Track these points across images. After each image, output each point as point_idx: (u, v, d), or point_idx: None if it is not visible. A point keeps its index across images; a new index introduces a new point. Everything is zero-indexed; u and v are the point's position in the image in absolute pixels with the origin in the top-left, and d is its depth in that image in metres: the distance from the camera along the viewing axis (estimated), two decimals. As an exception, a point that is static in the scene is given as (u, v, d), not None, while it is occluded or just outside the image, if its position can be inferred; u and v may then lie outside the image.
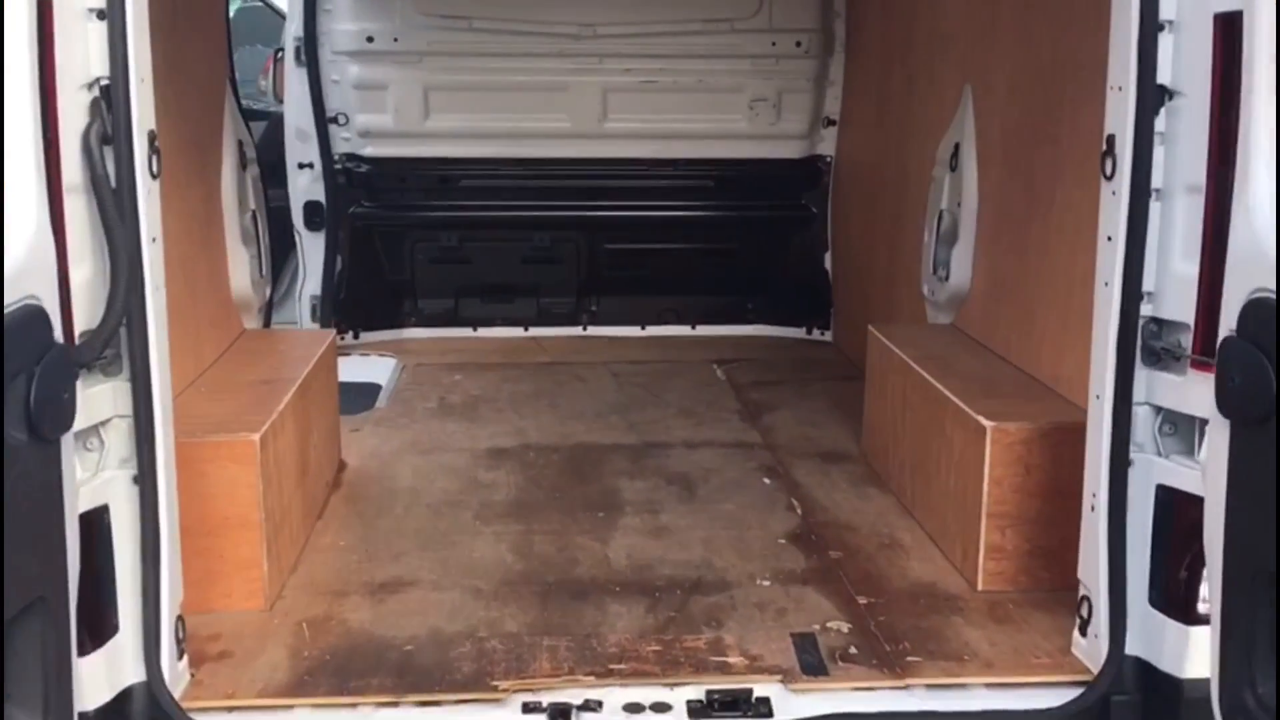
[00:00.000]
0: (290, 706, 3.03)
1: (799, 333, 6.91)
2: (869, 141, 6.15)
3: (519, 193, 6.62)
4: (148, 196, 2.79)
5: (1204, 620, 2.84)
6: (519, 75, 6.37)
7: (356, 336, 6.66)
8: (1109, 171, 2.99)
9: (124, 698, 2.88)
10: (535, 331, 6.86)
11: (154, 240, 2.83)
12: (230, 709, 3.01)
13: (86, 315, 2.71)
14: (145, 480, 2.85)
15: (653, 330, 6.93)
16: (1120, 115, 2.94)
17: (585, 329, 6.91)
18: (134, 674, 2.89)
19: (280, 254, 6.99)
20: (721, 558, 3.90)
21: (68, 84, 2.62)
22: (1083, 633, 3.20)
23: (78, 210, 2.68)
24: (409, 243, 6.70)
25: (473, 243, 6.73)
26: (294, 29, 6.22)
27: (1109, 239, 3.01)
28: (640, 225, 6.76)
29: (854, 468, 4.77)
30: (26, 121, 2.41)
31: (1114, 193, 2.98)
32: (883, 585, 3.72)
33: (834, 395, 5.71)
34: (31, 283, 2.32)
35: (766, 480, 4.63)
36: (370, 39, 6.22)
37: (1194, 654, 2.92)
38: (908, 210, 5.36)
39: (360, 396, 5.74)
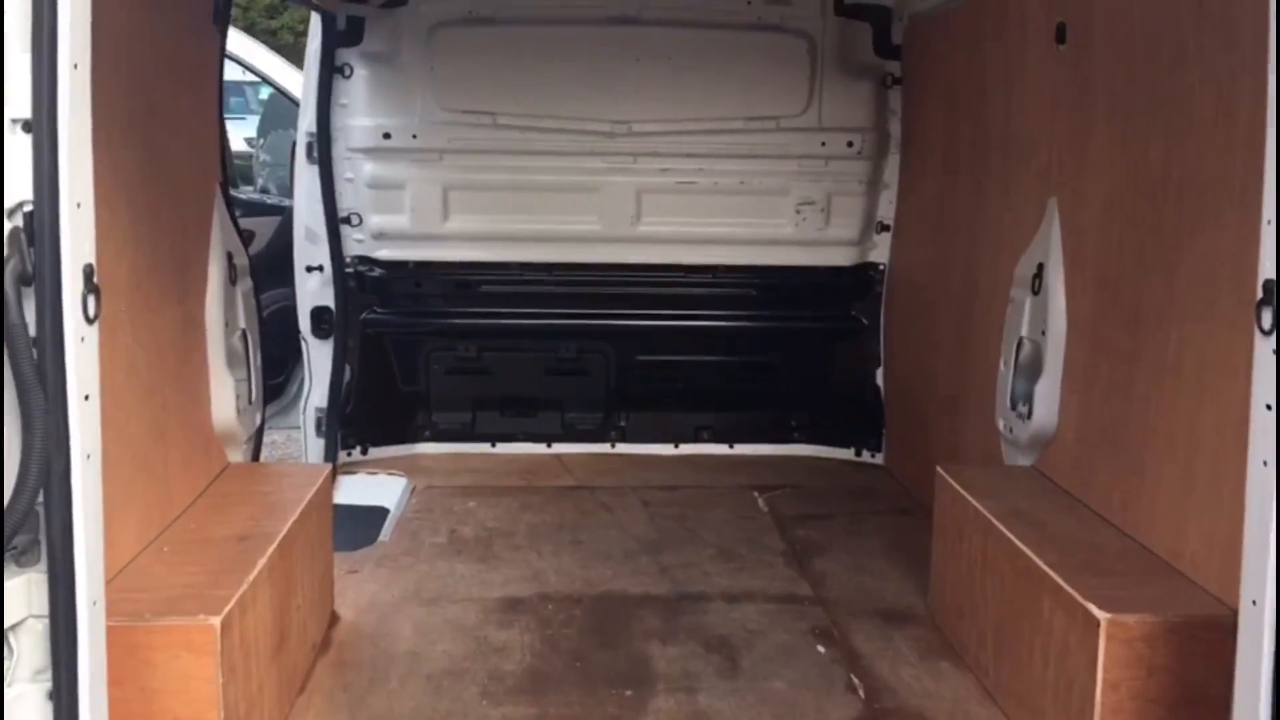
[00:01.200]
0: None
1: (847, 454, 6.31)
2: (928, 251, 5.60)
3: (544, 299, 6.10)
4: (80, 346, 2.26)
5: None
6: (546, 175, 5.89)
7: (365, 452, 6.11)
8: (1267, 325, 2.41)
9: None
10: (559, 448, 6.30)
11: (87, 398, 2.30)
12: None
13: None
14: (62, 698, 2.28)
15: (687, 449, 6.35)
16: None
17: (614, 446, 6.34)
18: None
19: (288, 359, 6.53)
20: (774, 760, 3.27)
21: (-21, 210, 2.12)
22: None
23: (-14, 366, 2.15)
24: (424, 352, 6.18)
25: (493, 352, 6.20)
26: (306, 124, 5.77)
27: (1268, 408, 2.42)
28: (675, 336, 6.22)
29: (922, 633, 4.13)
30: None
31: (1275, 351, 2.40)
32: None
33: (891, 533, 5.09)
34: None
35: (821, 648, 4.00)
36: (387, 135, 5.77)
37: None
38: (977, 331, 4.79)
39: (363, 526, 5.18)
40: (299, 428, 6.11)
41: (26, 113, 2.17)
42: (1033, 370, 4.16)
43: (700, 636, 4.08)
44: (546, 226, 5.98)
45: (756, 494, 5.68)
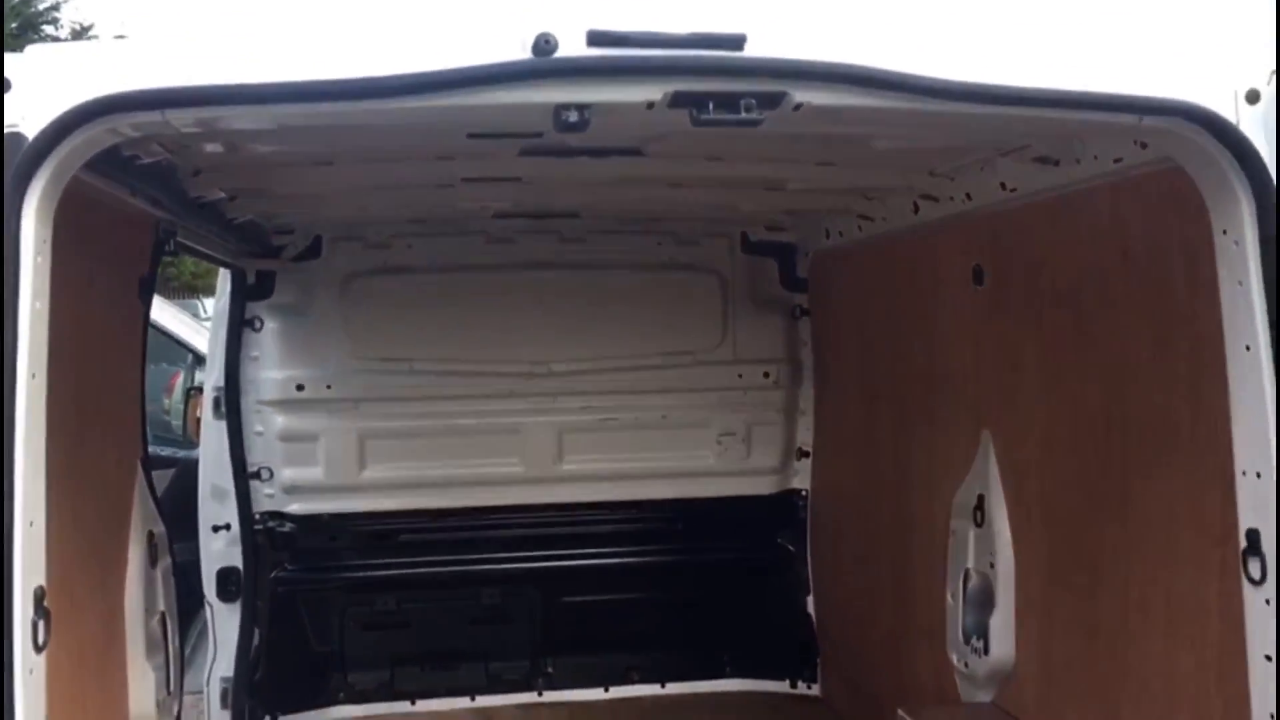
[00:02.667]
0: None
1: (782, 686, 6.14)
2: (852, 476, 5.64)
3: (465, 546, 5.91)
4: (28, 679, 2.05)
5: None
6: (466, 419, 5.80)
7: (275, 720, 5.70)
8: (1257, 575, 2.43)
9: None
10: (483, 701, 5.98)
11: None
12: None
13: None
14: None
15: (617, 691, 6.10)
16: (1262, 507, 2.42)
17: (540, 694, 6.05)
18: None
19: (190, 613, 6.13)
20: None
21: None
22: None
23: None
24: (339, 608, 5.88)
25: (412, 604, 5.93)
26: (214, 379, 5.60)
27: (1268, 659, 2.41)
28: (601, 575, 6.07)
29: None
30: None
31: (1268, 601, 2.41)
32: None
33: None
34: None
35: None
36: (300, 387, 5.62)
37: None
38: (913, 559, 4.78)
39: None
40: (201, 691, 5.68)
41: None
42: (983, 602, 4.14)
43: None
44: (467, 471, 5.84)
45: (696, 734, 5.46)
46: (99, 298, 3.46)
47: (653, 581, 6.16)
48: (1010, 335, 4.00)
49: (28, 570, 2.07)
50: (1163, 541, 3.16)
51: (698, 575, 6.17)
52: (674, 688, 6.15)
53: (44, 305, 2.16)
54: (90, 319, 3.35)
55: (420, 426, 5.76)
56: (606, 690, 6.10)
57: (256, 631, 5.60)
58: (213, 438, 5.60)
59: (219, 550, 5.57)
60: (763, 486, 6.11)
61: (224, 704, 5.51)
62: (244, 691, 5.52)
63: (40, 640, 2.10)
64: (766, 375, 5.99)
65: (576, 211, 5.40)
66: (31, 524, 2.09)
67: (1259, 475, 2.44)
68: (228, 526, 5.57)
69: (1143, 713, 3.26)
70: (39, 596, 2.10)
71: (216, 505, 5.60)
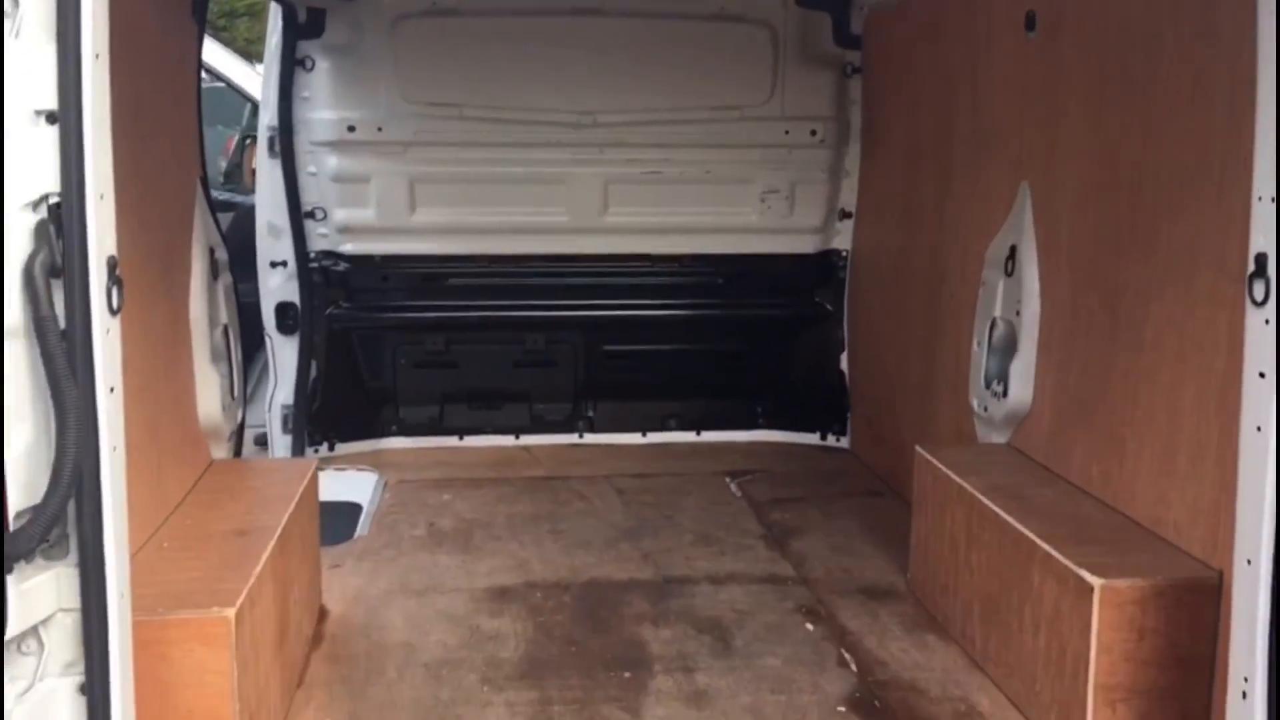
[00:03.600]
0: None
1: (813, 438, 6.40)
2: (893, 237, 5.71)
3: (511, 292, 6.11)
4: (105, 338, 2.25)
5: None
6: (513, 166, 5.89)
7: (332, 448, 6.07)
8: (1260, 296, 2.53)
9: None
10: (527, 440, 6.31)
11: (112, 390, 2.28)
12: None
13: (26, 488, 2.16)
14: (95, 691, 2.27)
15: (654, 437, 6.40)
16: (1271, 231, 2.49)
17: (582, 437, 6.37)
18: None
19: (249, 351, 6.46)
20: (777, 736, 3.34)
21: (8, 203, 2.10)
22: None
23: (16, 359, 2.14)
24: (391, 346, 6.16)
25: (460, 346, 6.19)
26: (268, 118, 5.71)
27: (1261, 375, 2.53)
28: (642, 325, 6.27)
29: (905, 608, 4.23)
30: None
31: (1267, 321, 2.51)
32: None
33: (864, 515, 5.19)
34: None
35: (809, 625, 4.08)
36: (352, 128, 5.72)
37: None
38: (944, 313, 4.90)
39: (339, 521, 5.15)
40: (262, 426, 6.04)
41: (52, 104, 2.16)
42: (1007, 349, 4.28)
43: (690, 618, 4.14)
44: (514, 218, 5.98)
45: (728, 479, 5.75)
46: (154, 17, 3.55)
47: (692, 334, 6.36)
48: (1056, 84, 3.98)
49: (100, 239, 2.25)
50: (1182, 280, 3.25)
51: (736, 330, 6.36)
52: (708, 436, 6.44)
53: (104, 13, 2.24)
54: (146, 35, 3.45)
55: (469, 173, 5.88)
56: (644, 435, 6.40)
57: (313, 364, 5.91)
58: (268, 176, 5.76)
59: (277, 285, 5.83)
60: (804, 245, 6.20)
61: (285, 429, 5.88)
62: (303, 419, 5.87)
63: (115, 305, 2.30)
64: (813, 133, 5.99)
65: None
66: (102, 197, 2.26)
67: (1273, 199, 2.50)
68: (284, 263, 5.80)
69: (1146, 444, 3.42)
70: (112, 265, 2.29)
71: (273, 241, 5.81)
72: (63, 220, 2.17)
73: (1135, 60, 3.51)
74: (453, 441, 6.26)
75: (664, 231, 6.05)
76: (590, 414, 6.37)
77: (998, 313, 4.34)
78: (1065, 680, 3.20)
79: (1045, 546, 3.32)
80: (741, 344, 6.38)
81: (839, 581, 4.48)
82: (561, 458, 6.11)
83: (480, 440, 6.28)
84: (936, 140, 5.07)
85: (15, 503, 2.15)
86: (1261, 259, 2.54)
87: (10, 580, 2.12)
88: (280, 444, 5.90)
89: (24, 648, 2.25)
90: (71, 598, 2.27)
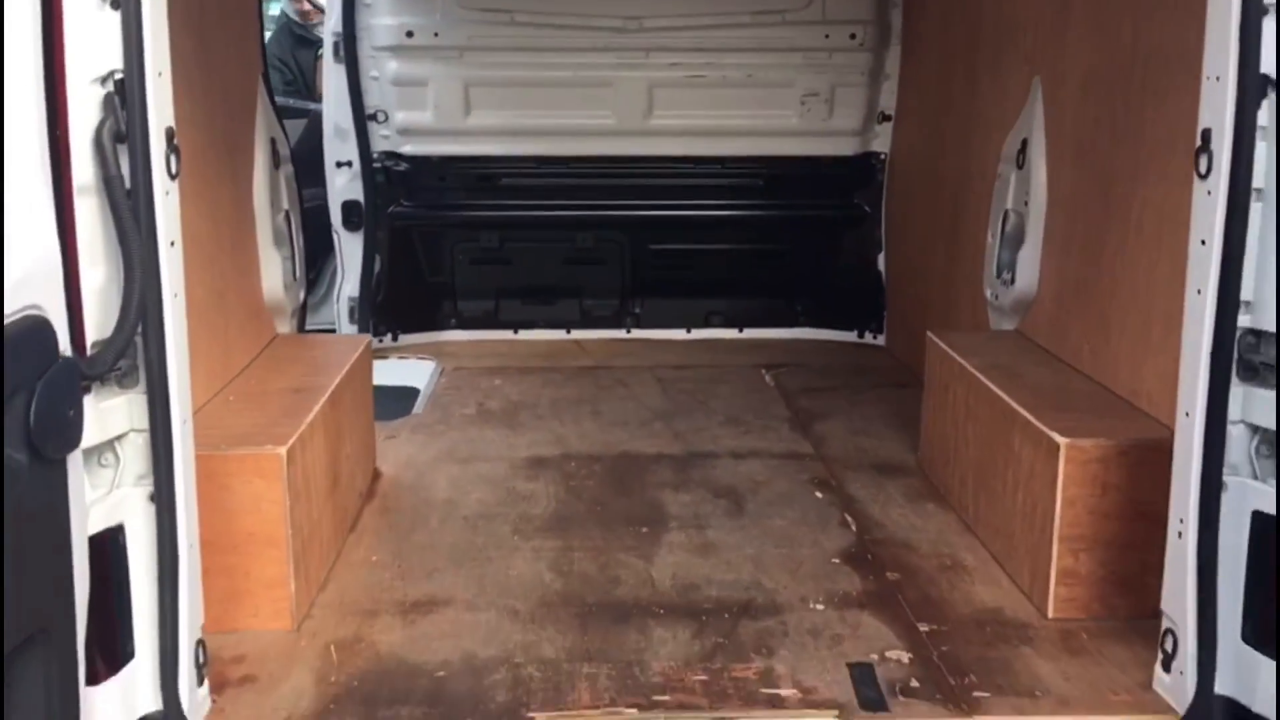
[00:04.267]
0: (315, 738, 2.86)
1: (850, 336, 6.66)
2: (926, 138, 5.89)
3: (561, 192, 6.43)
4: (165, 198, 2.62)
5: (1306, 660, 2.60)
6: (562, 70, 6.18)
7: (395, 339, 6.50)
8: (1204, 169, 2.74)
9: (137, 731, 2.72)
10: (578, 334, 6.67)
11: (172, 244, 2.66)
12: (254, 742, 2.84)
13: (99, 324, 2.55)
14: (163, 498, 2.68)
15: (698, 333, 6.72)
16: (1218, 108, 2.69)
17: (629, 332, 6.71)
18: (151, 702, 2.72)
19: (319, 256, 6.89)
20: (772, 578, 3.68)
21: (78, 78, 2.46)
22: (1166, 668, 2.96)
23: (89, 213, 2.51)
24: (449, 243, 6.54)
25: (514, 243, 6.55)
26: (332, 24, 6.07)
27: (1202, 243, 2.76)
28: (686, 225, 6.55)
29: (911, 481, 4.53)
30: (31, 117, 2.25)
31: (1209, 192, 2.73)
32: (945, 611, 3.49)
33: (888, 403, 5.46)
34: (35, 292, 2.16)
35: (818, 494, 4.40)
36: (410, 34, 6.05)
37: (1294, 696, 2.67)
38: (969, 209, 5.11)
39: (397, 401, 5.57)
40: (333, 324, 6.48)
41: (114, -10, 2.50)
42: (1016, 240, 4.49)
43: (709, 486, 4.48)
44: (563, 121, 6.28)
45: (764, 371, 6.05)
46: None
47: (734, 234, 6.63)
48: (1064, -20, 4.14)
49: (160, 110, 2.60)
50: (1162, 163, 3.44)
51: (777, 230, 6.61)
52: (750, 333, 6.73)
53: None
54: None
55: (520, 76, 6.18)
56: (688, 331, 6.71)
57: (377, 259, 6.32)
58: (334, 81, 6.13)
59: (342, 185, 6.22)
60: (843, 147, 6.41)
61: (351, 320, 6.31)
62: (368, 310, 6.30)
63: (173, 170, 2.66)
64: (853, 37, 6.16)
65: None
66: (160, 74, 2.60)
67: (1218, 79, 2.69)
68: (350, 163, 6.19)
69: (1128, 320, 3.64)
70: (169, 134, 2.64)
71: (339, 143, 6.19)
72: (126, 93, 2.52)
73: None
74: (507, 334, 6.65)
75: (707, 134, 6.30)
76: (637, 310, 6.70)
77: (1009, 205, 4.55)
78: (1035, 533, 3.48)
79: (1024, 413, 3.59)
80: (782, 244, 6.63)
81: (853, 458, 4.78)
82: (608, 350, 6.46)
83: (533, 334, 6.65)
84: (966, 40, 5.23)
85: (91, 336, 2.54)
86: (1206, 134, 2.75)
87: (89, 400, 2.52)
88: (348, 333, 6.34)
89: (102, 460, 2.66)
90: (141, 420, 2.67)
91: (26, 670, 2.16)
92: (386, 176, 6.28)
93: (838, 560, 3.83)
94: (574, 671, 3.11)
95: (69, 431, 2.25)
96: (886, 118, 6.34)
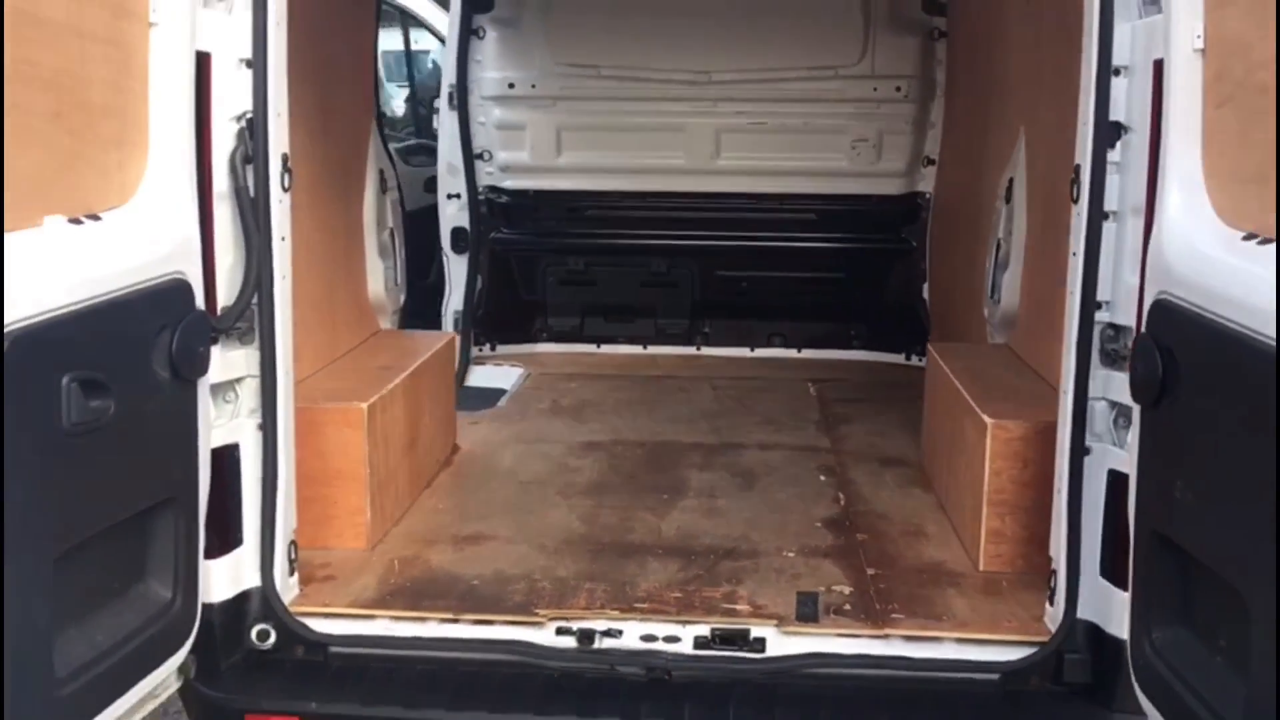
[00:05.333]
0: (372, 616, 3.75)
1: (898, 359, 7.34)
2: (961, 179, 6.58)
3: (640, 222, 7.31)
4: (279, 205, 3.58)
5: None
6: (641, 117, 7.08)
7: (493, 348, 7.45)
8: (1075, 196, 3.45)
9: (243, 597, 3.64)
10: (653, 350, 7.51)
11: (283, 239, 3.62)
12: (326, 615, 3.74)
13: (228, 294, 3.51)
14: (267, 427, 3.63)
15: (761, 353, 7.48)
16: (1084, 148, 3.40)
17: (699, 349, 7.52)
18: (252, 580, 3.66)
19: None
20: (759, 534, 4.44)
21: (220, 116, 3.44)
22: (1050, 601, 3.61)
23: (223, 214, 3.48)
24: (541, 266, 7.48)
25: (598, 267, 7.45)
26: (448, 78, 7.11)
27: (1074, 254, 3.46)
28: (750, 254, 7.35)
29: (908, 471, 5.21)
30: (185, 143, 3.23)
31: (1079, 214, 3.43)
32: (895, 562, 4.19)
33: (912, 412, 6.08)
34: (179, 264, 3.12)
35: (822, 477, 5.13)
36: (511, 85, 7.06)
37: (1133, 617, 3.31)
38: (980, 240, 5.78)
39: (485, 399, 6.52)
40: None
41: (247, 54, 3.49)
42: (1004, 265, 5.17)
43: (730, 468, 5.25)
44: (641, 160, 7.17)
45: (810, 384, 6.79)
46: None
47: (793, 263, 7.39)
48: (1039, 42, 4.84)
49: (278, 141, 3.55)
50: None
51: (832, 261, 7.35)
52: (808, 353, 7.46)
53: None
54: (331, 8, 4.82)
55: (604, 121, 7.11)
56: (752, 350, 7.49)
57: (479, 279, 7.30)
58: (447, 125, 7.17)
59: (452, 214, 7.23)
60: (890, 188, 7.13)
61: (455, 328, 7.29)
62: (469, 321, 7.28)
63: (285, 184, 3.61)
64: (899, 89, 6.91)
65: None
66: (278, 115, 3.57)
67: (1086, 125, 3.39)
68: (459, 195, 7.19)
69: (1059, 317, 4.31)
70: (284, 158, 3.60)
71: (451, 178, 7.21)
72: (253, 128, 3.50)
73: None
74: (591, 348, 7.53)
75: (767, 174, 7.11)
76: (706, 329, 7.51)
77: (999, 234, 5.24)
78: (973, 499, 4.16)
79: (970, 401, 4.28)
80: (837, 274, 7.36)
81: (863, 452, 5.49)
82: (678, 364, 7.28)
83: (613, 348, 7.52)
84: (984, 94, 5.93)
85: (221, 301, 3.51)
86: (1077, 169, 3.46)
87: (217, 350, 3.47)
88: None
89: (226, 397, 3.62)
90: (254, 368, 3.61)
91: (162, 523, 3.10)
92: (489, 207, 7.27)
93: (819, 524, 4.57)
94: (578, 587, 3.93)
95: (199, 361, 3.20)
96: (930, 161, 7.05)
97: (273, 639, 3.64)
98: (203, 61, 3.32)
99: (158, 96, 3.16)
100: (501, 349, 7.49)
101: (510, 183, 7.29)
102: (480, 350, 7.38)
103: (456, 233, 7.23)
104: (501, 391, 6.71)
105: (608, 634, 3.64)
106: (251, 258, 3.50)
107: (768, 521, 4.58)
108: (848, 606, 3.80)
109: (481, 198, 7.24)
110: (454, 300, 7.30)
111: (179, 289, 3.11)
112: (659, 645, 3.61)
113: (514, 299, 7.52)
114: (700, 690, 3.55)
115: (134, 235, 2.99)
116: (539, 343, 7.58)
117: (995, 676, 3.51)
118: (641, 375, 7.03)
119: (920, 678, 3.53)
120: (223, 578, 3.58)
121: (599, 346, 7.54)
